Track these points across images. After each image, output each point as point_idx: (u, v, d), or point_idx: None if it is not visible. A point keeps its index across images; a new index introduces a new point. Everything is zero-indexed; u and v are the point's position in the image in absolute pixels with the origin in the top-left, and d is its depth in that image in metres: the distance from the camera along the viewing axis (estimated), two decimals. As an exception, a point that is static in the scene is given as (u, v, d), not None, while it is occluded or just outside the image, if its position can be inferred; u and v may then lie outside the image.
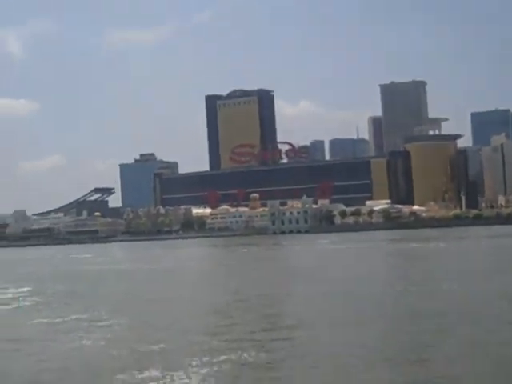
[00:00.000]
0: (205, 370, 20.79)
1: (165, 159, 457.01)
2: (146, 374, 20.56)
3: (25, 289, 52.19)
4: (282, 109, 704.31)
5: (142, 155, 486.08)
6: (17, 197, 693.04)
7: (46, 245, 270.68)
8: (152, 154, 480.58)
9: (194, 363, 21.71)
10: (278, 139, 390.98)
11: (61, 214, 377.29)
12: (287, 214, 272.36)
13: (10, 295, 48.36)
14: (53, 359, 23.85)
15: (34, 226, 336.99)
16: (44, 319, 34.11)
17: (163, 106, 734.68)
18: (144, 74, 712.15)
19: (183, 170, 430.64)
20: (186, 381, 19.73)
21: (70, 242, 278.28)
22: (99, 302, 42.36)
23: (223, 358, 22.48)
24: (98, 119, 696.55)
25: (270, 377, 19.96)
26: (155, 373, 20.57)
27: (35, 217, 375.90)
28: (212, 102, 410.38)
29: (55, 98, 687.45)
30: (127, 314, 34.74)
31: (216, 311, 36.01)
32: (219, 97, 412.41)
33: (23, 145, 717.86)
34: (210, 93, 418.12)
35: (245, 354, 22.94)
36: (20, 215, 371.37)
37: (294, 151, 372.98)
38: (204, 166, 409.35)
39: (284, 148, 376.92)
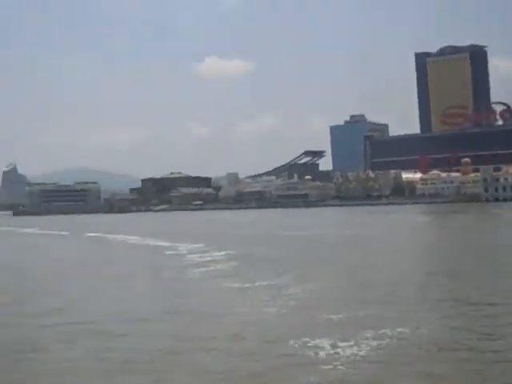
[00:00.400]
0: (377, 343, 19.90)
1: (375, 121, 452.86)
2: (318, 342, 20.21)
3: (224, 252, 52.92)
4: (497, 66, 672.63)
5: (352, 116, 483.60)
6: (231, 159, 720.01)
7: (257, 208, 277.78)
8: (362, 116, 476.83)
9: (368, 335, 20.81)
10: (492, 99, 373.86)
11: (272, 177, 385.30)
12: (501, 180, 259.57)
13: (208, 258, 49.19)
14: (233, 325, 23.69)
15: (247, 189, 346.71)
16: (235, 284, 34.12)
17: (373, 66, 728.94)
18: (352, 33, 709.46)
19: (393, 132, 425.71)
20: (354, 352, 19.01)
21: (281, 205, 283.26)
22: (295, 267, 41.86)
23: (400, 330, 21.44)
24: (310, 80, 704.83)
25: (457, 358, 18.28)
26: (327, 342, 20.15)
27: (248, 179, 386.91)
28: (422, 59, 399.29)
29: (270, 57, 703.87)
30: (318, 282, 33.93)
31: (413, 282, 34.28)
32: (429, 54, 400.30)
33: (239, 106, 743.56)
34: (420, 50, 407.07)
35: (425, 328, 21.47)
36: (233, 178, 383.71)
37: (510, 112, 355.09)
38: (414, 128, 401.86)
39: (499, 109, 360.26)
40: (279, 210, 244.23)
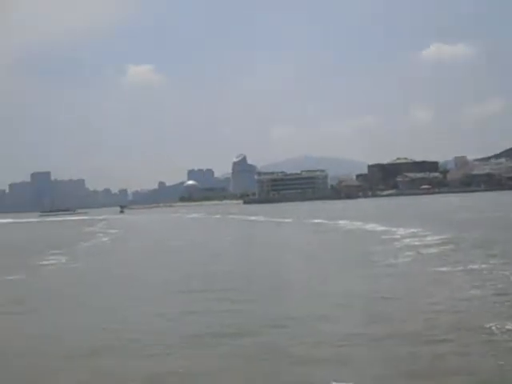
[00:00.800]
0: None
1: None
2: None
3: (440, 236, 51.63)
4: None
5: None
6: (457, 143, 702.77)
7: (486, 191, 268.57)
8: None
9: None
10: None
11: (502, 159, 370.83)
12: None
13: (423, 242, 48.29)
14: (430, 308, 23.40)
15: (474, 172, 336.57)
16: (443, 268, 33.38)
17: None
18: None
19: None
20: None
21: (510, 187, 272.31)
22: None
23: None
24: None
25: None
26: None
27: (476, 162, 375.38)
28: None
29: (494, 41, 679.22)
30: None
31: None
32: None
33: (464, 90, 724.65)
34: None
35: None
36: (460, 161, 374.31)
37: None
38: None
39: None
40: (509, 191, 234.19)
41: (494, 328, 19.33)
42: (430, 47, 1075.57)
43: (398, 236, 55.76)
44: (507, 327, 19.28)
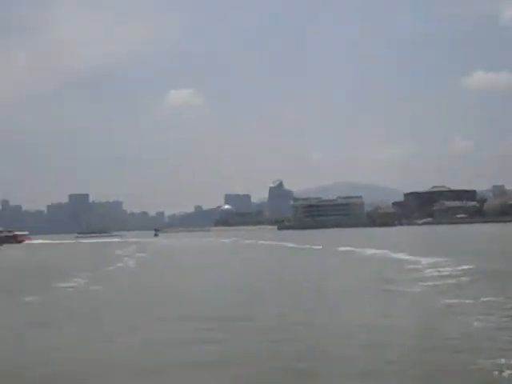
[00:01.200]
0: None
1: None
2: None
3: (462, 267, 51.14)
4: None
5: None
6: (497, 172, 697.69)
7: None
8: None
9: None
10: None
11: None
12: None
13: (443, 273, 47.96)
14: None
15: (509, 201, 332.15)
16: (454, 300, 32.99)
17: None
18: None
19: None
20: None
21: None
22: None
23: None
24: None
25: None
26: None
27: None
28: None
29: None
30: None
31: None
32: None
33: (506, 118, 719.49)
34: None
35: None
36: (498, 190, 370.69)
37: None
38: None
39: None
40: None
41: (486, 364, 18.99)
42: (472, 75, 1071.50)
43: (422, 266, 55.34)
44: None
